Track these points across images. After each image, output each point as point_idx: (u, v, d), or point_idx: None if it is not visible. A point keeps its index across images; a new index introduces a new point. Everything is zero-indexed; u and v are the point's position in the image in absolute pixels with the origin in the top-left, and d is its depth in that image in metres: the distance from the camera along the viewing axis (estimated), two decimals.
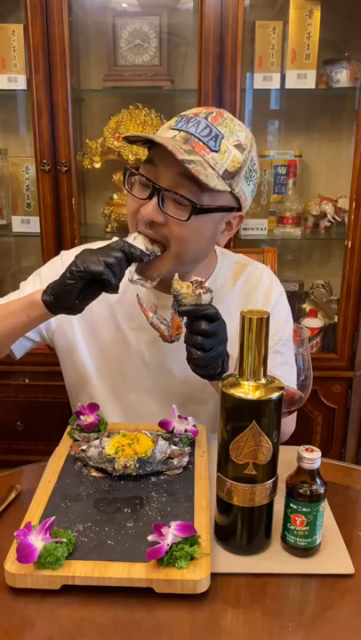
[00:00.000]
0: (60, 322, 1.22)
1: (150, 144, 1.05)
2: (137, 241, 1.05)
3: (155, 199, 1.03)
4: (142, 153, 2.02)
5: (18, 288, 1.26)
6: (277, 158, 2.16)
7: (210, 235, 1.10)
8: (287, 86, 1.98)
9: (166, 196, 1.03)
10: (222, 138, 1.04)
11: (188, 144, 1.02)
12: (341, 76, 1.99)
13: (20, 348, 1.22)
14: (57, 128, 1.90)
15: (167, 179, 1.03)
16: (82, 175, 2.17)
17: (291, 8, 1.92)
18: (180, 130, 1.04)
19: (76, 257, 1.00)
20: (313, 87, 1.98)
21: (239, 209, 1.11)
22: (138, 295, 1.04)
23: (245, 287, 1.23)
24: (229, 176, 1.05)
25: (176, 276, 0.99)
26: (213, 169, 1.03)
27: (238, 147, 1.06)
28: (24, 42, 1.94)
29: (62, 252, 1.27)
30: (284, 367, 1.08)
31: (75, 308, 1.02)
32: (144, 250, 1.04)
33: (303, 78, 1.96)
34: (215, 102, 1.86)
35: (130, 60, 2.02)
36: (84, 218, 2.25)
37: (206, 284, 0.99)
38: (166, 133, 1.06)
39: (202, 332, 0.97)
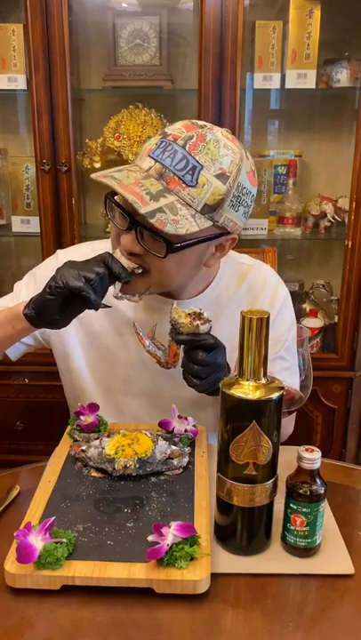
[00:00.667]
0: (57, 334, 1.22)
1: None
2: (120, 256, 1.02)
3: (133, 232, 0.99)
4: None
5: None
6: (277, 158, 2.16)
7: (194, 264, 1.07)
8: (287, 86, 1.98)
9: (142, 229, 0.98)
10: (200, 169, 0.96)
11: (163, 179, 0.96)
12: (341, 76, 1.99)
13: (15, 352, 1.21)
14: (57, 128, 1.90)
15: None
16: (82, 175, 2.16)
17: (291, 8, 1.92)
18: (156, 160, 0.98)
19: (57, 270, 0.97)
20: (313, 87, 1.98)
21: (229, 232, 1.05)
22: (135, 323, 1.04)
23: (251, 290, 1.21)
24: (210, 210, 0.98)
25: (175, 304, 0.98)
26: (190, 206, 0.96)
27: (221, 176, 0.97)
28: (24, 42, 1.94)
29: (58, 252, 1.25)
30: (287, 373, 1.07)
31: (57, 324, 1.00)
32: (126, 266, 1.00)
33: (303, 78, 1.96)
34: (215, 102, 1.86)
35: (130, 60, 2.02)
36: (84, 218, 2.25)
37: (205, 315, 0.98)
38: (143, 162, 0.99)
39: (198, 362, 0.97)
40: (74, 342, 1.23)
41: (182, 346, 1.00)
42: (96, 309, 0.97)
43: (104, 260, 0.98)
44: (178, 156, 0.97)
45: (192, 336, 0.97)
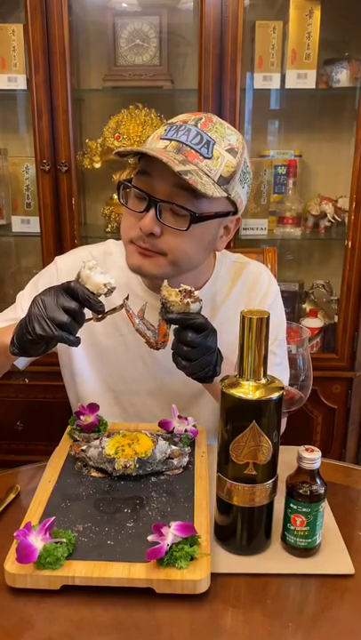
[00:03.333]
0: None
1: (142, 156, 1.04)
2: (94, 273, 0.93)
3: (152, 211, 1.02)
4: None
5: (18, 288, 1.25)
6: (277, 158, 2.16)
7: (208, 242, 1.10)
8: (287, 86, 1.98)
9: (163, 207, 1.02)
10: (214, 144, 1.03)
11: (181, 153, 1.01)
12: (341, 76, 1.99)
13: (22, 362, 1.21)
14: (57, 128, 1.90)
15: (163, 190, 1.02)
16: (82, 175, 2.16)
17: (291, 8, 1.92)
18: (170, 139, 1.03)
19: (28, 314, 0.91)
20: (313, 87, 1.98)
21: (235, 212, 1.10)
22: (125, 301, 1.01)
23: (245, 287, 1.23)
24: (224, 181, 1.04)
25: (165, 282, 0.97)
26: (208, 176, 1.02)
27: (230, 151, 1.05)
28: (24, 42, 1.94)
29: (57, 259, 1.24)
30: (278, 368, 1.08)
31: (42, 353, 0.97)
32: (103, 284, 0.92)
33: (303, 78, 1.96)
34: (215, 102, 1.86)
35: (130, 60, 2.02)
36: (84, 218, 2.25)
37: (196, 293, 0.97)
38: (157, 144, 1.04)
39: (188, 343, 0.96)
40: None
41: (172, 326, 0.98)
42: (76, 345, 0.92)
43: (72, 291, 0.91)
44: (192, 132, 1.03)
45: (182, 315, 0.95)
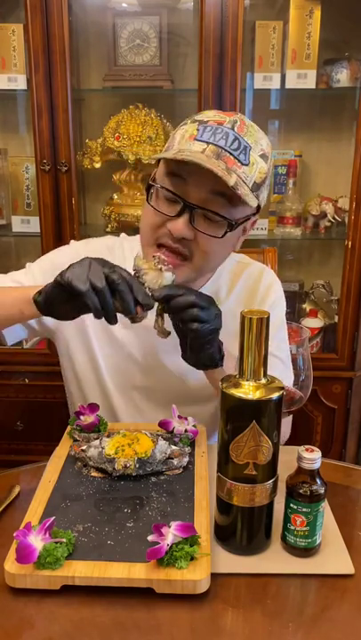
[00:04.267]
0: (56, 324, 1.20)
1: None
2: (148, 276, 0.96)
3: (185, 216, 1.00)
4: (142, 153, 2.02)
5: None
6: (277, 158, 2.16)
7: (233, 245, 1.10)
8: (287, 86, 1.98)
9: (197, 212, 1.00)
10: (250, 149, 1.00)
11: (222, 159, 0.98)
12: (341, 76, 2.00)
13: (13, 335, 1.18)
14: (57, 128, 1.90)
15: (198, 195, 1.00)
16: (82, 175, 2.17)
17: (291, 8, 1.92)
18: (207, 142, 0.98)
19: (70, 265, 0.92)
20: (313, 87, 1.98)
21: (255, 213, 1.10)
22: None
23: (246, 286, 1.23)
24: (256, 187, 1.03)
25: (138, 253, 0.97)
26: (245, 183, 1.00)
27: (263, 156, 1.03)
28: (24, 42, 1.94)
29: (72, 242, 1.25)
30: (278, 371, 1.08)
31: (62, 316, 0.99)
32: (151, 283, 0.95)
33: (303, 78, 1.96)
34: (215, 102, 1.86)
35: (130, 60, 2.02)
36: (84, 218, 2.25)
37: (169, 265, 0.98)
38: (192, 145, 0.99)
39: (193, 305, 0.95)
40: (70, 337, 1.22)
41: (161, 311, 0.98)
42: (99, 316, 0.91)
43: (127, 280, 0.91)
44: (230, 136, 0.99)
45: (168, 290, 0.94)
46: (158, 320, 1.00)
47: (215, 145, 0.98)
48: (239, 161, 0.99)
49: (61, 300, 0.94)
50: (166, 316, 1.01)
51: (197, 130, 1.01)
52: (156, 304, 0.97)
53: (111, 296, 0.90)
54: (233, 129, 1.00)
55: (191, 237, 1.02)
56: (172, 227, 1.01)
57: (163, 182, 1.03)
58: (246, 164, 1.00)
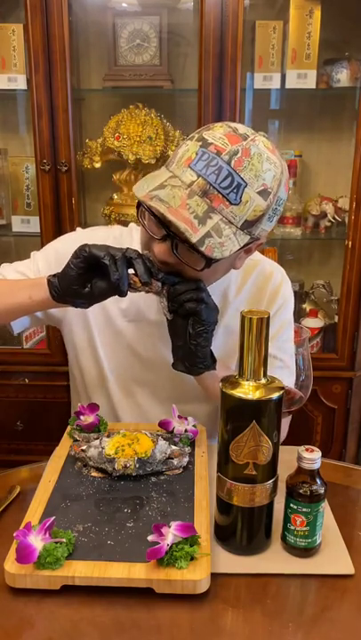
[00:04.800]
0: (62, 313, 1.21)
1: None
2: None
3: (168, 242, 0.98)
4: (142, 153, 2.02)
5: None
6: None
7: (225, 270, 1.08)
8: (287, 86, 1.98)
9: (179, 241, 0.97)
10: (245, 187, 0.93)
11: (207, 197, 0.93)
12: (342, 76, 1.99)
13: (19, 324, 1.18)
14: (57, 128, 1.90)
15: None
16: (82, 175, 2.16)
17: (291, 8, 1.92)
18: (198, 174, 0.93)
19: (87, 243, 0.97)
20: (313, 87, 1.98)
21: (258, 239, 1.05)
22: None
23: (256, 284, 1.22)
24: (249, 225, 0.96)
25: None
26: (232, 223, 0.95)
27: (262, 192, 0.95)
28: (24, 42, 1.94)
29: (78, 229, 1.25)
30: (280, 372, 1.07)
31: (76, 296, 0.98)
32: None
33: (303, 78, 1.96)
34: (215, 102, 1.86)
35: (130, 60, 2.02)
36: (84, 218, 2.25)
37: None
38: (184, 174, 0.94)
39: (197, 288, 0.99)
40: (77, 333, 1.23)
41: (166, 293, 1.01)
42: (120, 289, 0.96)
43: (141, 254, 0.98)
44: (223, 172, 0.93)
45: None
46: (163, 300, 1.02)
47: (205, 179, 0.93)
48: (228, 200, 0.93)
49: (76, 276, 0.96)
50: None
51: (196, 153, 0.95)
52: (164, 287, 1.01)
53: (127, 267, 0.95)
54: (229, 163, 0.93)
55: (174, 262, 0.99)
56: (156, 249, 0.99)
57: (151, 204, 0.98)
58: (236, 204, 0.94)
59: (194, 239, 0.91)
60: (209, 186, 0.93)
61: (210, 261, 0.96)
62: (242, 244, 0.97)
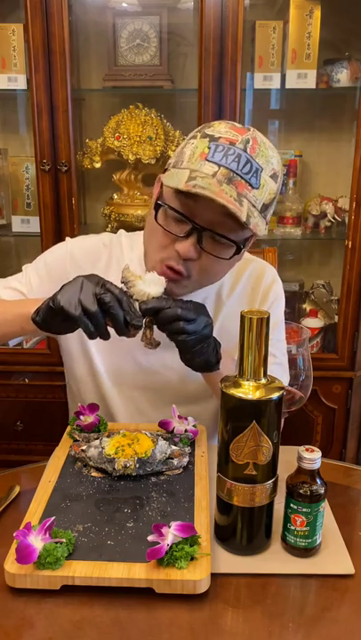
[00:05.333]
0: None
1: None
2: (142, 282, 0.95)
3: (193, 237, 0.99)
4: (142, 153, 2.02)
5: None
6: None
7: (234, 262, 1.10)
8: (287, 86, 1.98)
9: (205, 233, 0.99)
10: (261, 171, 0.98)
11: (232, 184, 0.95)
12: (342, 76, 1.99)
13: (15, 340, 1.19)
14: (57, 128, 1.90)
15: (207, 217, 0.98)
16: (82, 175, 2.17)
17: (291, 8, 1.92)
18: (219, 165, 0.95)
19: (63, 286, 0.93)
20: (313, 87, 1.98)
21: None
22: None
23: (249, 282, 1.23)
24: (265, 208, 1.01)
25: (127, 265, 0.96)
26: (255, 207, 0.98)
27: (273, 176, 1.01)
28: (24, 42, 1.94)
29: (67, 240, 1.24)
30: (276, 368, 1.08)
31: (62, 332, 0.98)
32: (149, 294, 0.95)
33: (303, 78, 1.96)
34: (215, 102, 1.86)
35: (130, 60, 2.02)
36: (84, 218, 2.25)
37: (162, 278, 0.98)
38: (203, 166, 0.96)
39: (178, 318, 0.94)
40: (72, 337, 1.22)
41: (151, 324, 0.97)
42: (93, 338, 0.93)
43: (119, 300, 0.91)
44: (242, 159, 0.96)
45: (155, 303, 0.94)
46: (147, 332, 0.98)
47: (227, 168, 0.95)
48: (250, 184, 0.97)
49: (58, 320, 0.94)
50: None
51: (208, 148, 0.97)
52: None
53: (103, 316, 0.91)
54: (245, 150, 0.97)
55: (197, 258, 1.02)
56: (180, 248, 1.00)
57: (171, 202, 1.01)
58: (257, 188, 0.98)
59: (243, 218, 0.94)
60: (232, 173, 0.96)
61: (239, 247, 1.00)
62: (264, 230, 1.01)
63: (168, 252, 1.03)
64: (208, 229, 0.99)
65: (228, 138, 0.98)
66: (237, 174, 0.96)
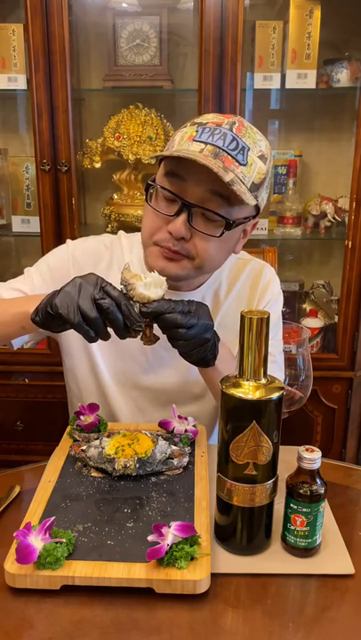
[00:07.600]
0: None
1: (178, 158, 0.99)
2: (142, 284, 0.93)
3: (183, 215, 1.01)
4: (142, 153, 2.02)
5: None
6: (277, 158, 2.16)
7: (232, 246, 1.11)
8: (287, 86, 1.98)
9: (195, 211, 1.01)
10: (248, 150, 1.01)
11: (219, 159, 0.98)
12: (342, 76, 1.99)
13: (18, 341, 1.19)
14: (57, 128, 1.90)
15: (197, 194, 1.01)
16: (82, 175, 2.17)
17: (291, 7, 1.92)
18: (205, 142, 0.99)
19: (61, 289, 0.92)
20: (313, 87, 1.98)
21: (255, 216, 1.10)
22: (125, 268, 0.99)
23: (247, 282, 1.23)
24: (255, 188, 1.03)
25: (127, 264, 0.96)
26: (243, 183, 1.00)
27: (262, 157, 1.04)
28: (24, 42, 1.94)
29: (68, 242, 1.24)
30: (272, 366, 1.08)
31: (61, 331, 0.98)
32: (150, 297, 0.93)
33: (303, 78, 1.96)
34: (215, 102, 1.86)
35: (130, 60, 2.02)
36: (84, 218, 2.25)
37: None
38: (190, 146, 1.00)
39: (179, 325, 0.94)
40: (73, 337, 1.22)
41: (151, 323, 0.96)
42: (93, 342, 0.92)
43: (118, 304, 0.90)
44: (228, 137, 1.00)
45: (155, 307, 0.93)
46: (146, 331, 0.97)
47: (213, 145, 0.99)
48: (237, 161, 0.99)
49: (57, 324, 0.94)
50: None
51: (196, 131, 1.01)
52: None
53: (103, 320, 0.90)
54: (231, 130, 1.01)
55: (189, 237, 1.03)
56: (171, 227, 1.02)
57: (161, 182, 1.04)
58: (244, 164, 1.00)
59: (226, 178, 0.96)
60: (218, 149, 0.99)
61: (228, 224, 1.01)
62: (253, 204, 1.03)
63: (161, 233, 1.04)
64: (197, 206, 1.00)
65: (214, 121, 1.02)
66: (224, 150, 0.99)
